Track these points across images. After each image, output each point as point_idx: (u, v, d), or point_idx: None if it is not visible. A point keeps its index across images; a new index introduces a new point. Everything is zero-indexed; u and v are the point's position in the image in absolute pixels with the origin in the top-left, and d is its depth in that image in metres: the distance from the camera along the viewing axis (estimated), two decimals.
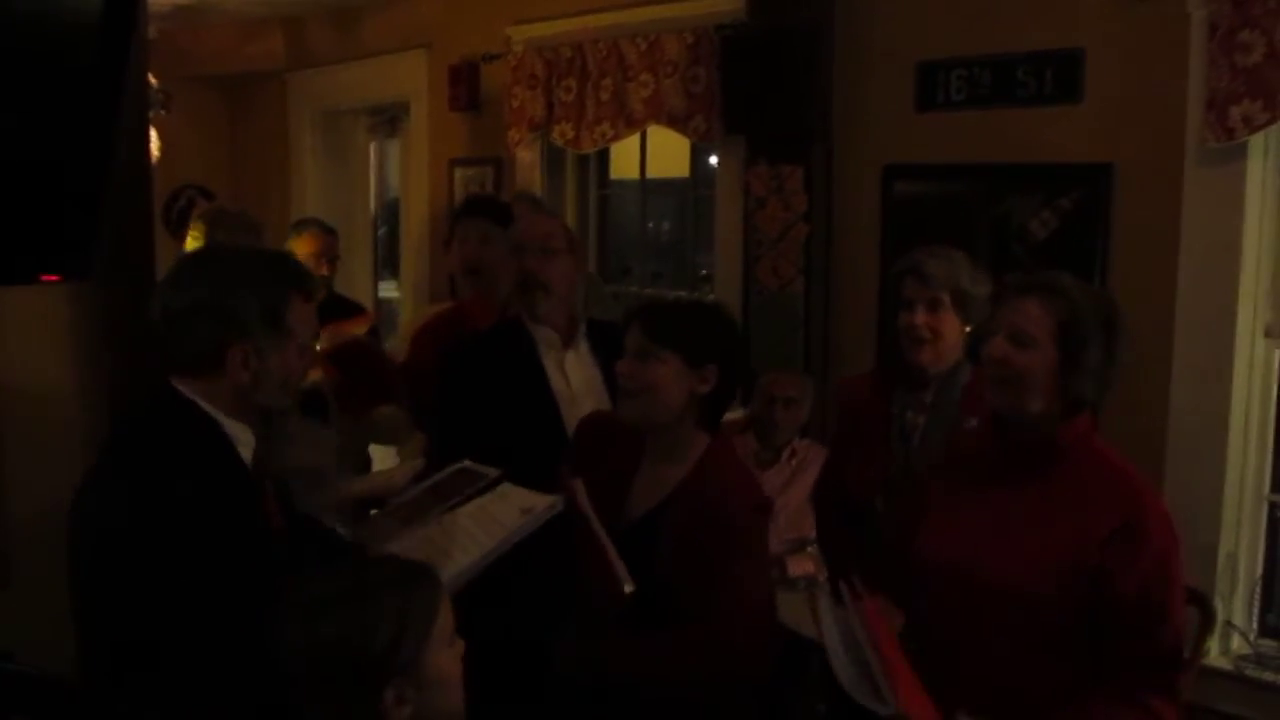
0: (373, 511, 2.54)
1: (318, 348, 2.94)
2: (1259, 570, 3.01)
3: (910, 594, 2.12)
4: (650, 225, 5.05)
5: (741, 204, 3.93)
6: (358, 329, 3.63)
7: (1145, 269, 3.04)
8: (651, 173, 4.72)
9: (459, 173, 5.08)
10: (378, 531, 2.16)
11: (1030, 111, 3.25)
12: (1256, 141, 2.84)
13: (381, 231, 6.26)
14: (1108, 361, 1.94)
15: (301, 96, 6.02)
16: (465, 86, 4.92)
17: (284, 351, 1.79)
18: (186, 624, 1.65)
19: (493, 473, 2.22)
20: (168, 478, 1.71)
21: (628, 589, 2.01)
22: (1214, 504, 2.93)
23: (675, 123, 4.04)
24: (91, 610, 1.72)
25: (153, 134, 3.56)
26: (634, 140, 4.50)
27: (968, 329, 2.49)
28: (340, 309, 3.82)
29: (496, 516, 2.08)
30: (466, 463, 2.27)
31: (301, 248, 3.99)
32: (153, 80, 4.00)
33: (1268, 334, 2.93)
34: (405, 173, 5.59)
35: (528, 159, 4.76)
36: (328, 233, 4.26)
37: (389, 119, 5.84)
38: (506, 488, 2.18)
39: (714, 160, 4.30)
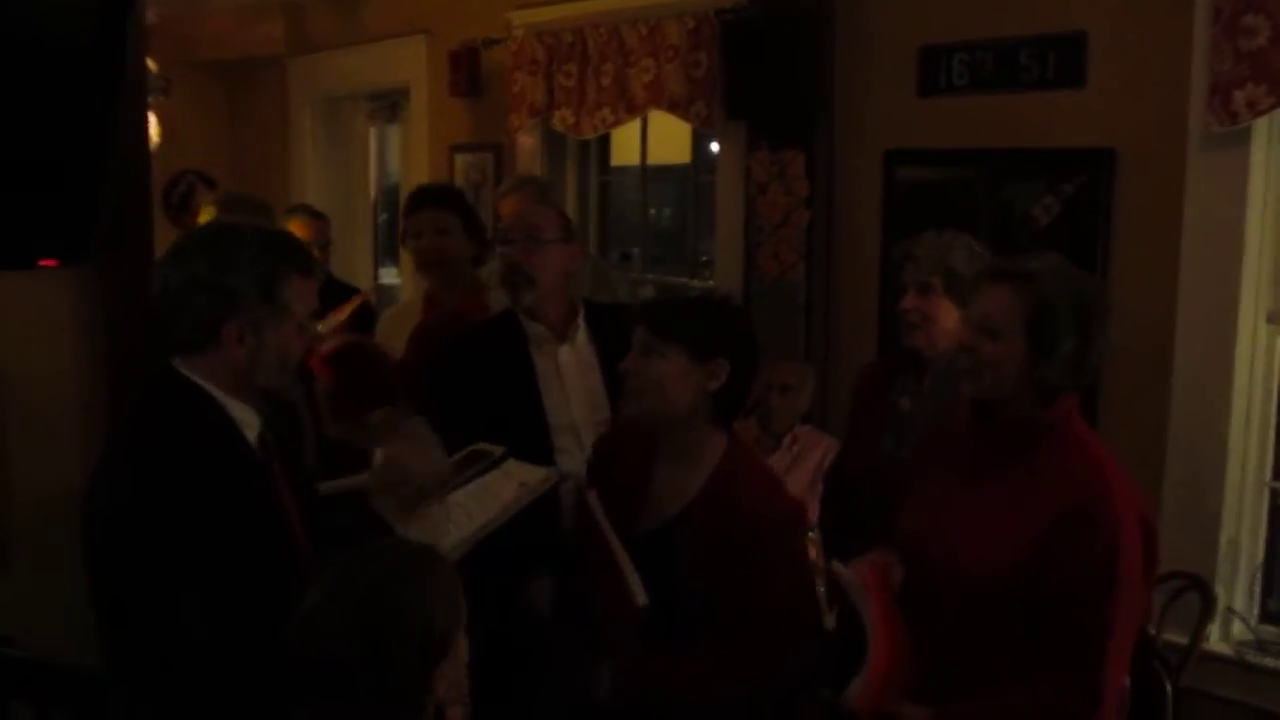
0: None
1: (322, 344, 2.95)
2: (1260, 556, 3.00)
3: None
4: (651, 211, 5.04)
5: (743, 190, 3.91)
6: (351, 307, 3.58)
7: (1148, 254, 3.02)
8: (652, 159, 4.71)
9: (459, 158, 5.07)
10: (385, 513, 2.16)
11: (1033, 96, 3.23)
12: (1260, 126, 2.82)
13: (382, 218, 6.25)
14: (1084, 349, 1.90)
15: (302, 82, 6.01)
16: (465, 72, 4.90)
17: (281, 329, 1.79)
18: (189, 604, 1.65)
19: (498, 451, 2.21)
20: (168, 459, 1.71)
21: (640, 602, 1.98)
22: (1215, 490, 2.92)
23: (676, 108, 4.03)
24: (102, 597, 1.73)
25: (152, 119, 3.55)
26: (635, 126, 4.48)
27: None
28: (339, 293, 3.81)
29: (495, 492, 2.09)
30: (480, 444, 2.27)
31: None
32: (152, 66, 3.99)
33: (1270, 320, 2.92)
34: (405, 159, 5.58)
35: (528, 145, 4.74)
36: (317, 218, 4.25)
37: (389, 105, 5.82)
38: (511, 464, 2.18)
39: (715, 146, 4.28)
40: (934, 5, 3.46)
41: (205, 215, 3.71)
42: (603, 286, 3.69)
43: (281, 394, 1.89)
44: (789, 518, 2.13)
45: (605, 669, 2.05)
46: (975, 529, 1.92)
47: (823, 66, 3.65)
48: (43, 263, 2.51)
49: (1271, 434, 2.96)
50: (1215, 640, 2.95)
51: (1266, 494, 2.98)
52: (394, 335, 3.25)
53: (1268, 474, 2.97)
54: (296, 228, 4.07)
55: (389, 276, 6.19)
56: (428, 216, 3.30)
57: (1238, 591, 3.00)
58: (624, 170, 4.94)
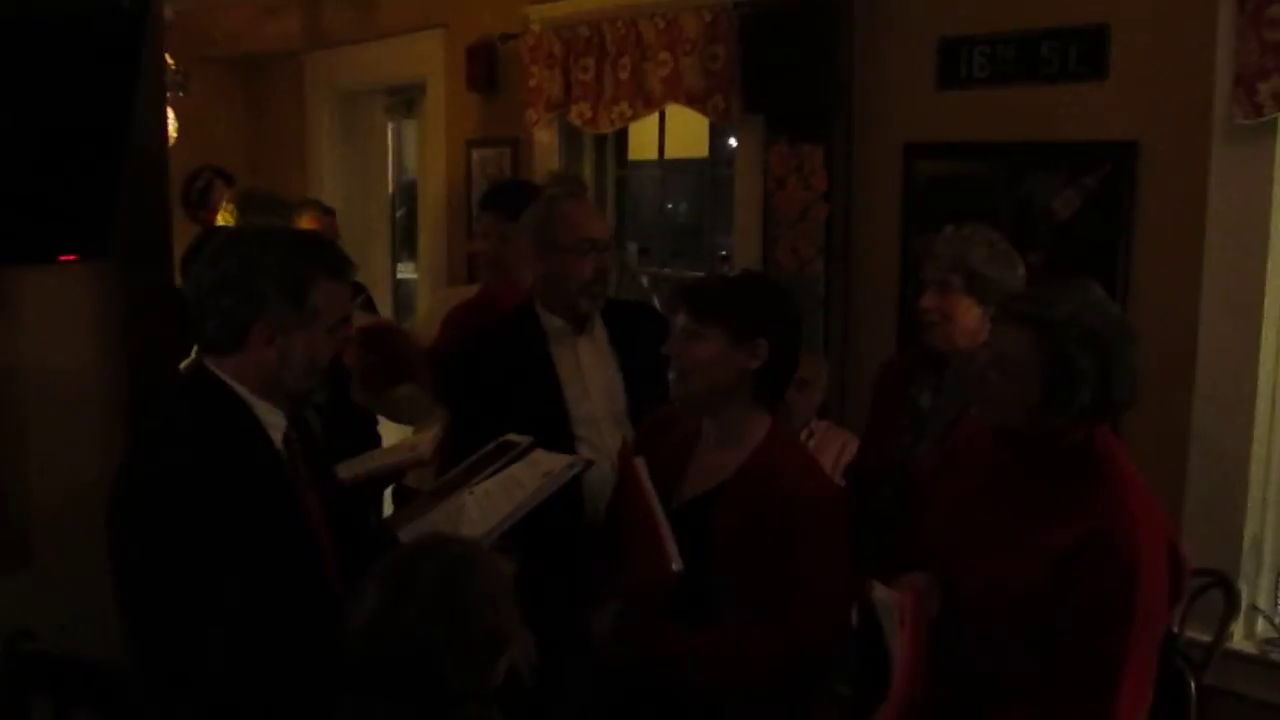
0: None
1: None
2: None
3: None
4: (668, 206, 5.03)
5: (761, 184, 3.89)
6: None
7: (1171, 248, 2.99)
8: (670, 153, 4.69)
9: (476, 153, 5.06)
10: (415, 509, 2.18)
11: (1054, 89, 3.20)
12: None
13: (399, 213, 6.25)
14: (1102, 397, 1.83)
15: (319, 77, 6.01)
16: (482, 66, 4.89)
17: (310, 331, 1.80)
18: (210, 598, 1.66)
19: (526, 441, 2.22)
20: (192, 456, 1.72)
21: (675, 568, 1.97)
22: (1239, 487, 2.89)
23: (694, 102, 4.01)
24: (125, 591, 1.74)
25: (170, 115, 3.57)
26: (652, 121, 4.46)
27: (988, 310, 2.45)
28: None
29: (520, 481, 2.10)
30: (509, 435, 2.28)
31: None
32: (170, 61, 4.01)
33: None
34: (422, 154, 5.58)
35: (545, 139, 4.73)
36: (326, 213, 4.26)
37: (406, 99, 5.82)
38: (538, 454, 2.19)
39: (733, 142, 4.26)
40: None
41: (225, 211, 3.74)
42: (631, 285, 3.69)
43: (310, 397, 1.89)
44: (829, 500, 2.13)
45: (627, 628, 2.08)
46: (992, 548, 1.89)
47: (841, 59, 3.63)
48: (62, 258, 2.52)
49: None
50: (1239, 638, 2.93)
51: None
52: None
53: None
54: (306, 223, 4.09)
55: (406, 271, 6.20)
56: (493, 221, 3.28)
57: (1261, 589, 2.98)
58: (641, 165, 4.92)
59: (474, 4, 4.97)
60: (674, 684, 2.09)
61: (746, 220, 4.02)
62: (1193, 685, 2.61)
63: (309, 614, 1.69)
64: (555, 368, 2.59)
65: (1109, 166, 3.10)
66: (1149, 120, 3.03)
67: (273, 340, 1.78)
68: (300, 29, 5.97)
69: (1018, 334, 1.86)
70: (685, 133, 4.64)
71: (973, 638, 1.89)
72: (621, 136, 4.78)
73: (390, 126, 6.11)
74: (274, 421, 1.83)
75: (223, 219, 3.71)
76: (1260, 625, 2.98)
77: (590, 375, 2.61)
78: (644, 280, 4.68)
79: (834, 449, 3.39)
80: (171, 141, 3.72)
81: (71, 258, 2.53)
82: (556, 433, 2.47)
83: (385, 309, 5.68)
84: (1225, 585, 2.83)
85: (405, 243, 6.18)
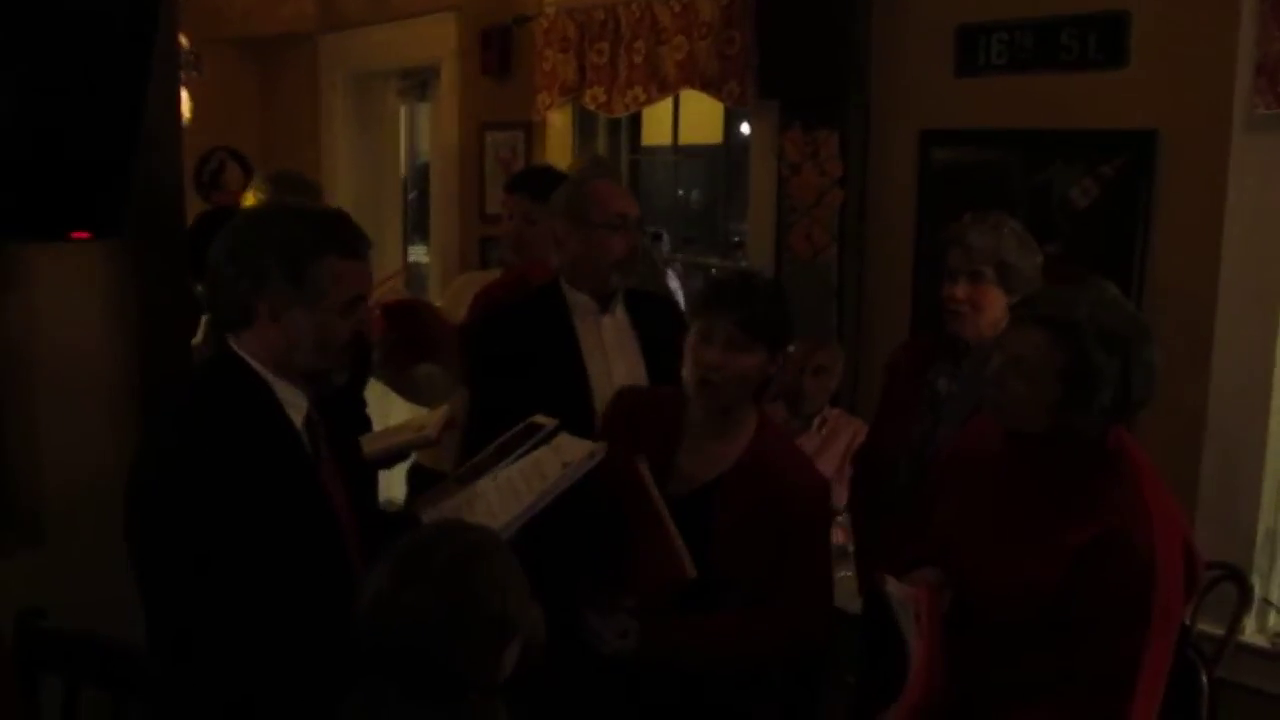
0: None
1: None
2: None
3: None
4: (682, 192, 5.01)
5: (775, 170, 3.87)
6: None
7: (1189, 238, 2.97)
8: (684, 139, 4.67)
9: (489, 137, 5.05)
10: (438, 493, 2.16)
11: (1073, 76, 3.17)
12: None
13: (412, 195, 6.24)
14: (1122, 398, 1.81)
15: (332, 59, 5.99)
16: (496, 50, 4.87)
17: (315, 310, 1.77)
18: (223, 577, 1.65)
19: (551, 424, 2.22)
20: (210, 434, 1.71)
21: (691, 573, 2.00)
22: (1254, 480, 2.88)
23: (709, 86, 3.99)
24: (142, 568, 1.73)
25: (184, 95, 3.55)
26: (666, 105, 4.44)
27: (1012, 300, 2.44)
28: None
29: (542, 469, 2.08)
30: (536, 417, 2.27)
31: None
32: (184, 41, 3.99)
33: None
34: (435, 137, 5.56)
35: (559, 123, 4.71)
36: (306, 188, 4.21)
37: (419, 82, 5.80)
38: (562, 438, 2.17)
39: (746, 128, 4.24)
40: None
41: (256, 190, 3.73)
42: (652, 278, 3.66)
43: (329, 377, 1.85)
44: (820, 490, 2.24)
45: (634, 626, 2.08)
46: (1007, 546, 1.87)
47: (858, 45, 3.60)
48: (75, 235, 2.52)
49: None
50: (1251, 632, 2.92)
51: None
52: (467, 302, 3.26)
53: None
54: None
55: (418, 254, 6.19)
56: (518, 202, 3.30)
57: (1274, 583, 2.97)
58: (655, 150, 4.90)
59: None
60: (680, 670, 2.10)
61: (761, 206, 4.01)
62: (1205, 678, 2.59)
63: (329, 595, 1.68)
64: (579, 343, 2.61)
65: (1128, 156, 3.07)
66: (1169, 109, 3.00)
67: (277, 318, 1.76)
68: (314, 10, 5.96)
69: (1036, 335, 1.83)
70: (700, 117, 4.62)
71: (984, 634, 1.88)
72: (635, 121, 4.77)
73: (403, 109, 6.10)
74: (294, 401, 1.81)
75: (253, 199, 3.71)
76: (1273, 619, 2.96)
77: (613, 352, 2.63)
78: (672, 276, 4.64)
79: (846, 436, 3.38)
80: (186, 122, 3.71)
81: (85, 235, 2.53)
82: (579, 407, 2.48)
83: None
84: (1238, 579, 2.82)
85: (418, 226, 6.17)
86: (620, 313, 2.68)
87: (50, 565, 2.62)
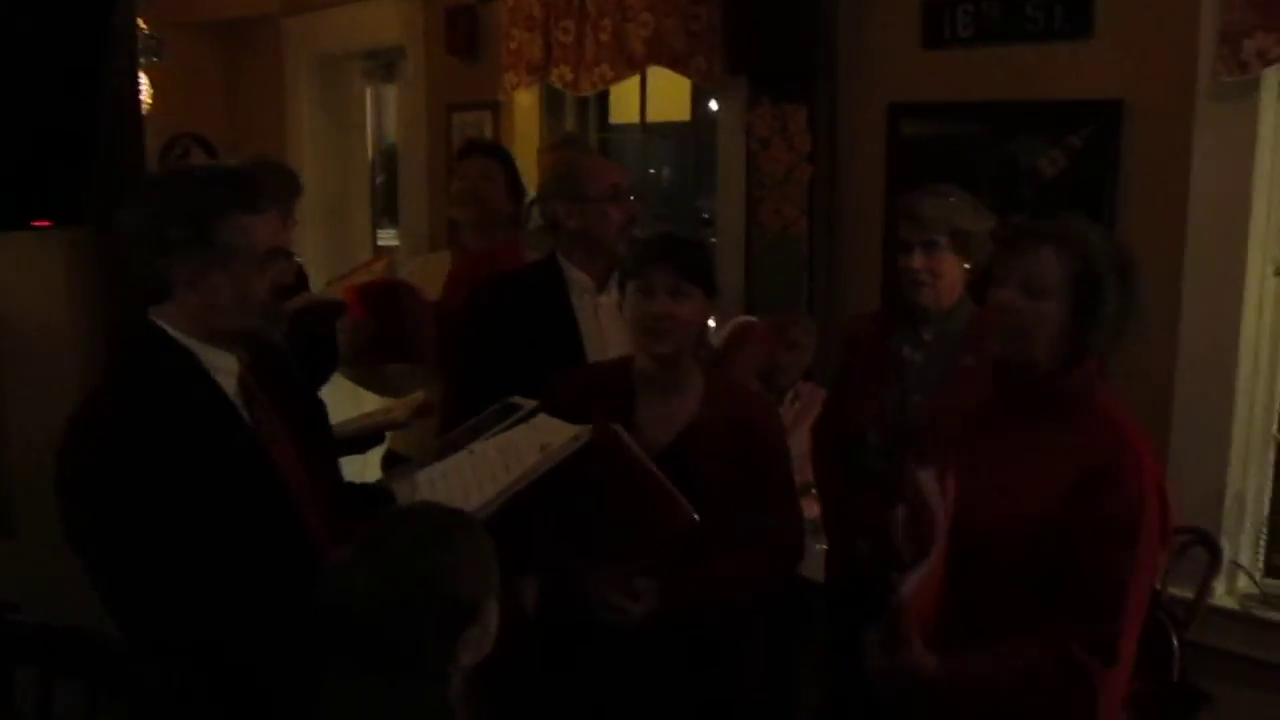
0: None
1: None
2: (1266, 509, 3.00)
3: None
4: (651, 170, 5.00)
5: (744, 145, 3.87)
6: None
7: (1155, 206, 2.99)
8: (652, 116, 4.65)
9: (457, 118, 5.02)
10: (413, 467, 2.15)
11: (1040, 47, 3.18)
12: (1270, 77, 2.78)
13: (379, 179, 6.20)
14: (1125, 310, 1.88)
15: (297, 41, 5.94)
16: (462, 30, 4.84)
17: (230, 269, 1.73)
18: (157, 554, 1.63)
19: (530, 404, 2.21)
20: (133, 412, 1.67)
21: (695, 518, 2.05)
22: (1221, 443, 2.91)
23: (676, 63, 3.97)
24: (83, 559, 1.70)
25: (144, 81, 3.51)
26: (634, 83, 4.42)
27: (967, 266, 2.48)
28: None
29: (519, 448, 2.07)
30: (513, 399, 2.27)
31: None
32: (143, 26, 3.94)
33: (1278, 272, 2.89)
34: (402, 119, 5.52)
35: (526, 103, 4.69)
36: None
37: (385, 64, 5.76)
38: (541, 418, 2.16)
39: (714, 105, 4.23)
40: None
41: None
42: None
43: (259, 335, 1.83)
44: (779, 422, 2.44)
45: (652, 585, 2.12)
46: (995, 486, 1.90)
47: (824, 19, 3.59)
48: (36, 223, 2.50)
49: (1278, 386, 2.95)
50: (1221, 594, 2.95)
51: (1273, 448, 2.97)
52: (422, 283, 3.23)
53: (1274, 427, 2.96)
54: None
55: (387, 238, 6.15)
56: (475, 164, 3.43)
57: (1243, 545, 3.00)
58: (624, 128, 4.88)
59: None
60: (686, 619, 2.15)
61: (729, 182, 4.00)
62: (1175, 641, 2.64)
63: (283, 564, 1.66)
64: (576, 320, 2.64)
65: (1094, 125, 3.08)
66: (1134, 79, 3.01)
67: (193, 285, 1.73)
68: None
69: (1041, 251, 1.89)
70: (667, 95, 4.61)
71: (974, 573, 1.90)
72: (603, 100, 4.75)
73: (369, 91, 6.05)
74: (223, 365, 1.77)
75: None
76: (1242, 581, 3.00)
77: (609, 332, 2.64)
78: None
79: (819, 409, 3.39)
80: (146, 108, 3.67)
81: (46, 224, 2.50)
82: None
83: None
84: (1208, 542, 2.85)
85: (386, 208, 6.13)
86: (613, 293, 2.66)
87: (21, 557, 2.61)
